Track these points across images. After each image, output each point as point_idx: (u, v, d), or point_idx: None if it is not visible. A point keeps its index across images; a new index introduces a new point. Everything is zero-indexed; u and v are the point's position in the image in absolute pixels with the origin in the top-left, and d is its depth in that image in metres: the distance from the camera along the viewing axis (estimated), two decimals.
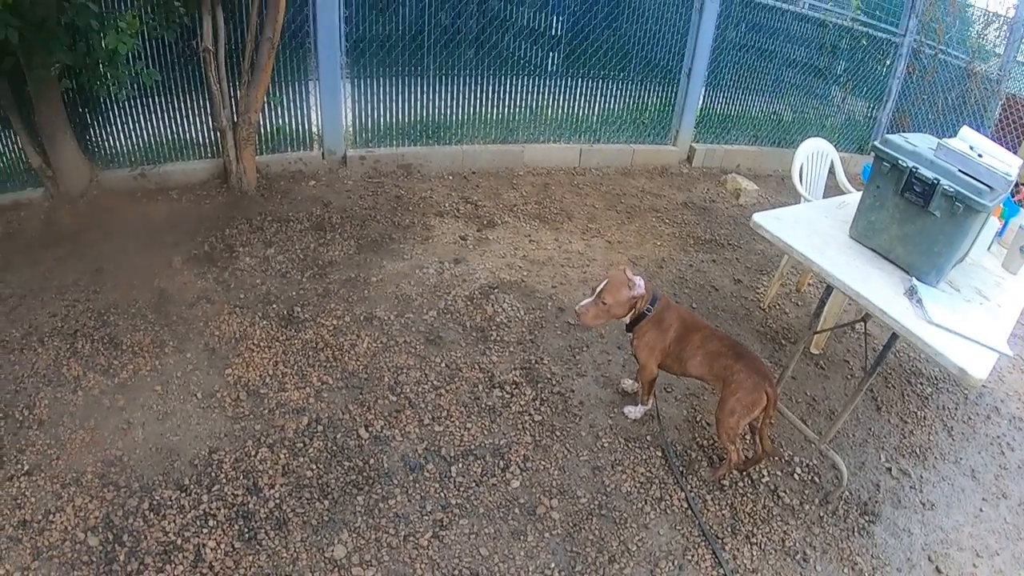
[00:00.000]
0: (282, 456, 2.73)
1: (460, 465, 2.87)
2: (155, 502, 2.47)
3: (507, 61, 5.29)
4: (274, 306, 3.51)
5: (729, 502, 3.06)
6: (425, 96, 5.04)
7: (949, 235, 2.80)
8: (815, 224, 3.16)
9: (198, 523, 2.44)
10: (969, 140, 3.05)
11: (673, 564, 2.72)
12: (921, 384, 4.28)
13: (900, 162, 2.84)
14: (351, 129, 4.88)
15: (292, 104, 4.61)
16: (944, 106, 7.56)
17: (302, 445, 2.80)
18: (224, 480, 2.60)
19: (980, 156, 2.85)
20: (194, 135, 4.40)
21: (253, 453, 2.73)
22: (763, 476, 3.24)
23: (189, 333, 3.25)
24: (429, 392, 3.20)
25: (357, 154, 4.84)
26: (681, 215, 5.60)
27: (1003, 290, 3.14)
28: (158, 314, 3.32)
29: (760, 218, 3.00)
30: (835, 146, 4.53)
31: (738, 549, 2.86)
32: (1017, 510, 3.57)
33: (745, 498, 3.10)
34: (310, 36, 4.45)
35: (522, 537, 2.66)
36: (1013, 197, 3.70)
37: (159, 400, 2.88)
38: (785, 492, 3.19)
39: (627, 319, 3.04)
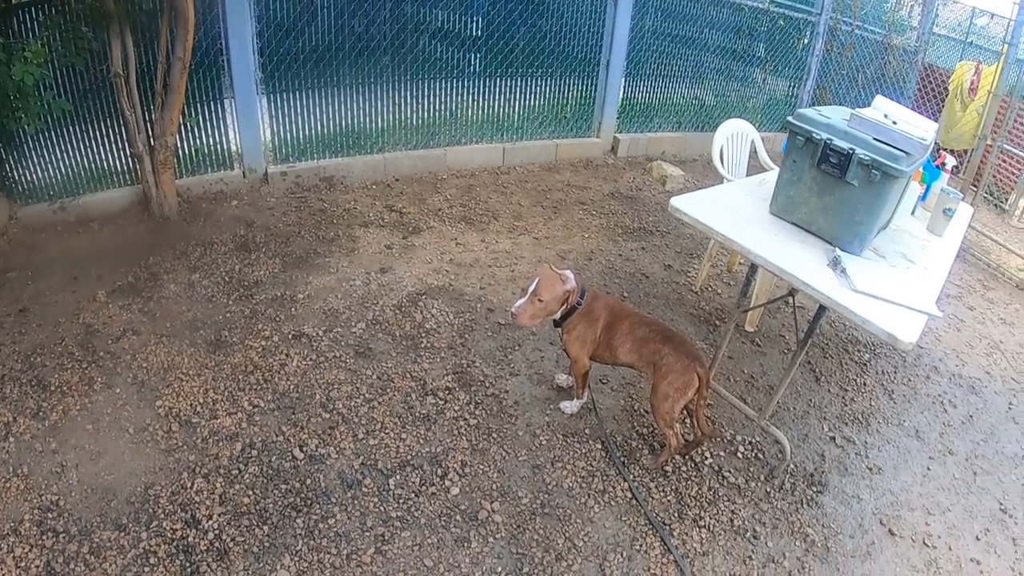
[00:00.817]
0: (218, 485, 2.68)
1: (398, 477, 2.85)
2: (95, 544, 2.40)
3: (424, 65, 5.26)
4: (201, 332, 3.43)
5: (673, 487, 3.08)
6: (344, 106, 4.98)
7: (868, 203, 2.83)
8: (735, 203, 3.19)
9: (139, 562, 2.37)
10: (883, 109, 3.11)
11: (622, 556, 2.74)
12: (859, 351, 4.40)
13: (814, 135, 2.87)
14: (271, 145, 4.80)
15: (209, 124, 4.51)
16: (864, 80, 7.81)
17: (237, 472, 2.74)
18: (162, 515, 2.54)
19: (895, 123, 2.89)
20: (111, 163, 4.27)
21: (189, 484, 2.67)
22: (706, 458, 3.27)
23: (117, 367, 3.16)
24: (362, 406, 3.17)
25: (278, 170, 4.77)
26: (608, 205, 5.65)
27: (929, 253, 3.20)
28: (85, 351, 3.22)
29: (678, 202, 3.00)
30: (758, 126, 4.62)
31: (687, 533, 2.89)
32: (964, 465, 3.67)
33: (690, 482, 3.13)
34: (223, 54, 4.37)
35: (466, 544, 2.65)
36: (933, 161, 3.80)
37: (91, 439, 2.80)
38: (730, 472, 3.23)
39: (557, 315, 3.04)
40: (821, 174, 2.90)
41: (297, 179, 4.84)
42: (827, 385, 4.00)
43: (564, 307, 3.02)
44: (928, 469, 3.57)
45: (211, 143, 4.57)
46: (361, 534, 2.61)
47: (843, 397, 3.95)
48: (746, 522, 3.00)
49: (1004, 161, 7.63)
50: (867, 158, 2.75)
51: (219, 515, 2.57)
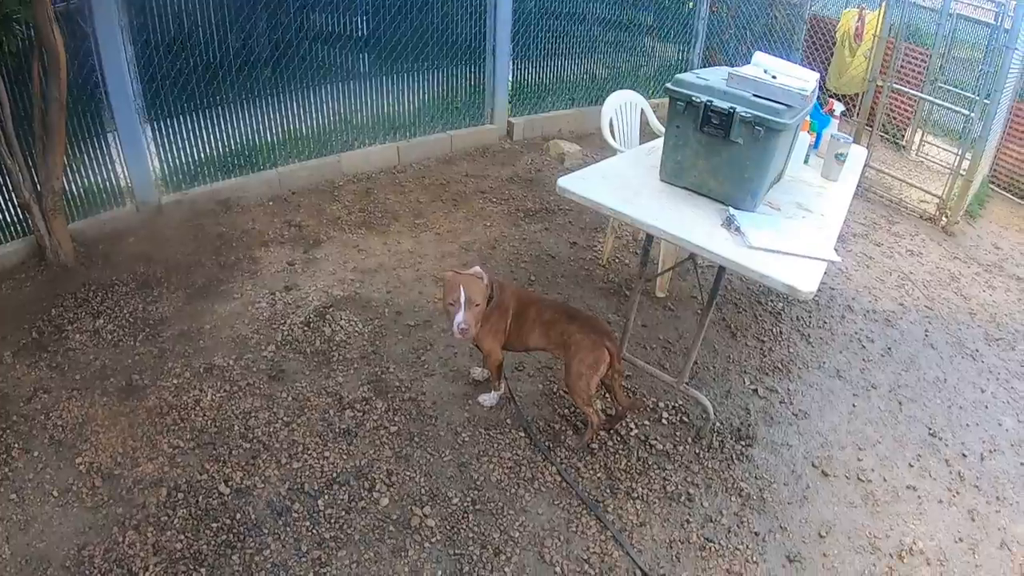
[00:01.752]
0: (149, 534, 2.65)
1: (326, 497, 2.87)
2: None
3: (309, 71, 5.16)
4: (111, 380, 3.35)
5: (602, 464, 3.16)
6: (231, 125, 4.86)
7: (756, 159, 2.87)
8: (624, 176, 3.20)
9: None
10: (763, 64, 3.15)
11: (560, 539, 2.81)
12: (772, 301, 4.53)
13: (694, 99, 2.90)
14: (161, 174, 4.66)
15: (95, 162, 4.34)
16: (752, 37, 7.96)
17: (166, 517, 2.72)
18: (98, 575, 2.51)
19: (774, 78, 2.94)
20: (0, 217, 4.10)
21: (120, 539, 2.63)
22: (631, 429, 3.35)
23: (32, 430, 3.06)
24: (281, 430, 3.16)
25: (172, 199, 4.64)
26: (508, 191, 5.70)
27: (825, 199, 3.31)
28: None
29: (565, 182, 3.01)
30: (651, 94, 4.74)
31: (621, 508, 2.97)
32: (888, 397, 3.83)
33: (617, 456, 3.21)
34: (100, 86, 4.19)
35: (403, 553, 2.69)
36: (822, 109, 3.90)
37: (18, 509, 2.72)
38: (656, 439, 3.31)
39: None
40: (706, 136, 2.93)
41: (192, 205, 4.72)
42: (744, 339, 4.12)
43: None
44: (853, 406, 3.72)
45: (100, 181, 4.40)
46: (298, 561, 2.63)
47: (761, 348, 4.07)
48: (679, 487, 3.10)
49: (896, 100, 7.95)
50: (748, 115, 2.79)
51: (155, 565, 2.55)
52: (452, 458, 3.14)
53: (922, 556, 2.94)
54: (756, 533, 2.94)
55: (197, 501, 2.81)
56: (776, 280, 2.47)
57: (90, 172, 4.34)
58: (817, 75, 3.21)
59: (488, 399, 3.41)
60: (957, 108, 6.93)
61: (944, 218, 6.38)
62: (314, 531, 2.75)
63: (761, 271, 2.51)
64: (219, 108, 4.78)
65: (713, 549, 2.85)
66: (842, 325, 4.42)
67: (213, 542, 2.67)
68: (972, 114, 6.31)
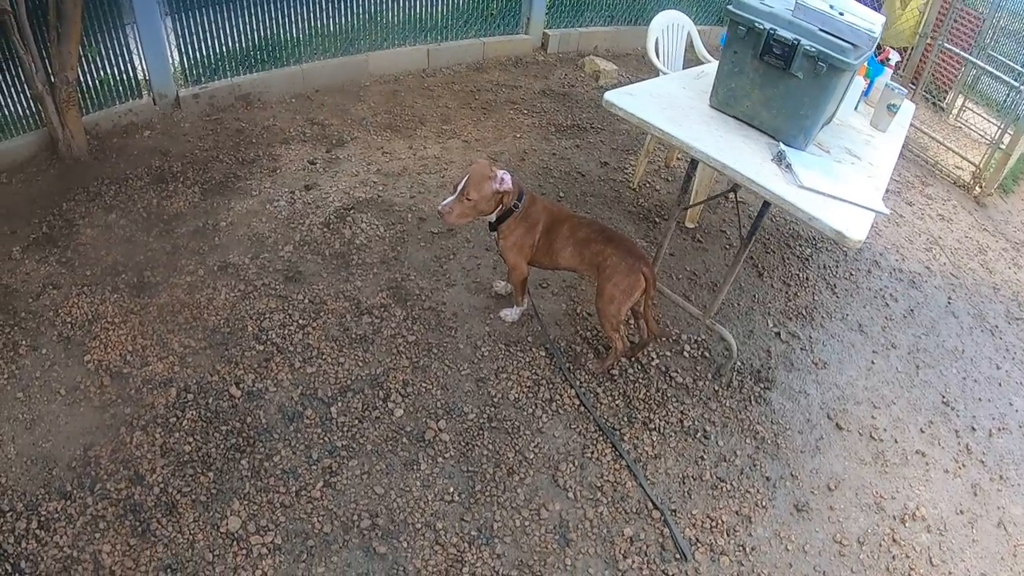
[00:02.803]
0: (157, 436, 2.53)
1: (339, 404, 2.75)
2: (43, 518, 2.25)
3: None
4: (123, 276, 3.17)
5: (621, 391, 3.03)
6: (256, 17, 4.48)
7: (814, 96, 2.68)
8: (673, 97, 2.99)
9: (89, 529, 2.24)
10: None
11: (574, 464, 2.70)
12: (800, 246, 4.35)
13: (756, 24, 2.68)
14: (180, 66, 4.35)
15: (112, 52, 4.02)
16: None
17: (175, 419, 2.59)
18: (105, 476, 2.39)
19: (841, 14, 2.71)
20: (12, 109, 3.79)
21: (128, 440, 2.51)
22: (652, 359, 3.22)
23: (40, 326, 2.90)
24: (296, 333, 3.00)
25: (190, 93, 4.34)
26: (540, 104, 5.36)
27: (874, 148, 3.11)
28: (5, 314, 2.93)
29: (613, 96, 2.79)
30: (693, 19, 4.37)
31: (637, 437, 2.86)
32: (907, 358, 3.72)
33: (637, 384, 3.08)
34: None
35: (415, 467, 2.59)
36: (876, 56, 3.67)
37: (24, 407, 2.59)
38: (677, 372, 3.19)
39: (492, 217, 2.85)
40: (764, 65, 2.73)
41: (211, 100, 4.43)
42: (770, 280, 3.95)
43: (500, 209, 2.82)
44: (872, 363, 3.61)
45: (116, 72, 4.09)
46: (308, 468, 2.52)
47: (786, 292, 3.91)
48: (696, 422, 2.99)
49: (943, 60, 7.56)
50: (813, 49, 2.59)
51: (162, 467, 2.44)
52: (470, 372, 2.99)
53: (923, 523, 2.89)
54: (767, 478, 2.87)
55: (207, 403, 2.68)
56: (825, 224, 2.33)
57: (106, 63, 4.03)
58: (883, 18, 2.94)
59: (510, 314, 3.23)
60: (1007, 78, 6.53)
61: (978, 188, 6.14)
62: (325, 439, 2.63)
63: (811, 212, 2.36)
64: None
65: (724, 489, 2.77)
66: (868, 280, 4.26)
67: (222, 446, 2.55)
68: (1019, 84, 5.96)
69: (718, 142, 2.68)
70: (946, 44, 6.66)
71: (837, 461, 2.99)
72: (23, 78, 3.67)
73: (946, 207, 5.68)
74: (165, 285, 3.16)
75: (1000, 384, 3.77)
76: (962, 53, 6.84)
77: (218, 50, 4.45)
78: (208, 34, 4.36)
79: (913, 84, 6.64)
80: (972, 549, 2.87)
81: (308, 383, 2.81)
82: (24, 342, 2.83)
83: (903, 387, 3.49)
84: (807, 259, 4.26)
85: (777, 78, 2.72)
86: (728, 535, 2.63)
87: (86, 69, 3.93)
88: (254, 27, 4.52)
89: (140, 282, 3.16)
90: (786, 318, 3.72)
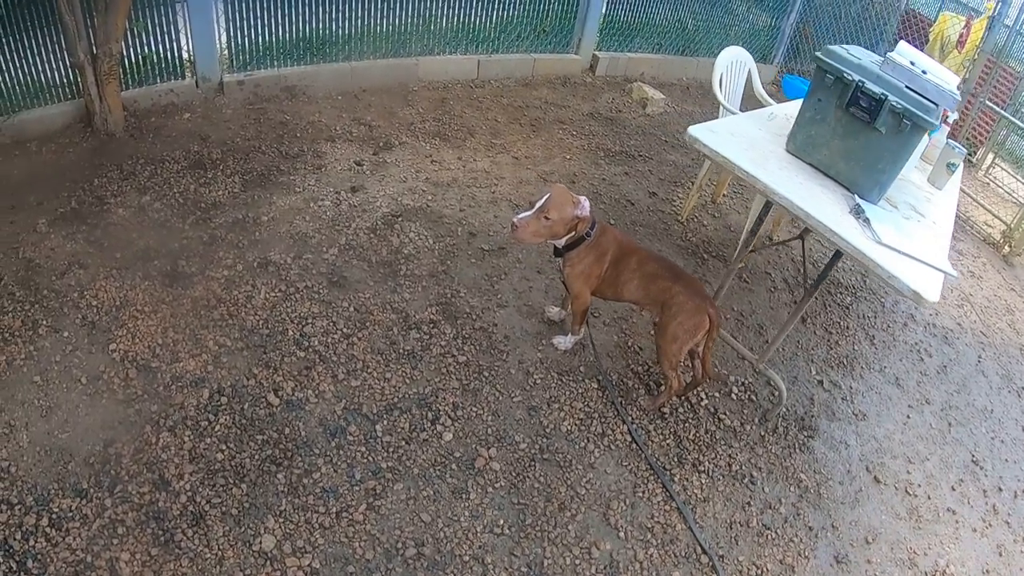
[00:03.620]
0: (186, 439, 2.30)
1: (385, 422, 2.53)
2: (55, 516, 2.01)
3: None
4: (155, 263, 2.94)
5: (672, 430, 2.87)
6: (308, 8, 4.30)
7: (894, 152, 2.64)
8: (751, 137, 2.90)
9: (106, 533, 2.01)
10: (908, 55, 2.84)
11: (625, 503, 2.53)
12: (841, 294, 4.23)
13: (846, 75, 2.63)
14: (227, 51, 4.15)
15: (158, 28, 3.82)
16: (846, 18, 7.39)
17: (207, 423, 2.36)
18: (126, 477, 2.15)
19: (924, 72, 2.66)
20: (49, 76, 3.58)
21: (153, 440, 2.27)
22: (702, 399, 3.07)
23: (64, 307, 2.66)
24: (340, 342, 2.78)
25: (235, 79, 4.14)
26: (588, 126, 5.19)
27: (934, 205, 3.04)
28: (27, 290, 2.69)
29: (697, 132, 2.70)
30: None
31: (687, 479, 2.70)
32: (939, 415, 3.61)
33: (687, 424, 2.93)
34: None
35: (464, 495, 2.38)
36: None
37: (40, 393, 2.34)
38: (725, 414, 3.04)
39: (561, 242, 2.68)
40: (847, 116, 2.68)
41: (256, 89, 4.23)
42: (813, 327, 3.82)
43: (571, 235, 2.66)
44: (908, 417, 3.52)
45: (160, 50, 3.89)
46: (350, 488, 2.29)
47: (828, 340, 3.79)
48: (743, 467, 2.86)
49: (981, 117, 7.49)
50: (899, 106, 2.54)
51: (191, 474, 2.20)
52: (522, 400, 2.79)
53: None
54: (810, 528, 2.76)
55: (243, 408, 2.45)
56: (904, 283, 2.26)
57: (151, 39, 3.82)
58: (958, 78, 2.93)
59: (563, 342, 3.04)
60: None
61: (1008, 247, 6.00)
62: (370, 458, 2.41)
63: (890, 271, 2.30)
64: None
65: (769, 537, 2.65)
66: (904, 333, 4.15)
67: (258, 456, 2.32)
68: None
69: (799, 189, 2.60)
70: (987, 101, 6.59)
71: (875, 514, 2.90)
72: (65, 44, 3.45)
73: (976, 263, 5.57)
74: (200, 277, 2.93)
75: None
76: (1000, 111, 6.77)
77: (267, 38, 4.26)
78: (259, 20, 4.17)
79: (951, 138, 6.61)
80: None
81: (352, 397, 2.59)
82: (45, 322, 2.59)
83: (936, 443, 3.41)
84: (847, 307, 4.12)
85: (859, 130, 2.67)
86: None
87: (130, 43, 3.73)
88: (306, 18, 4.34)
89: (173, 271, 2.93)
90: (828, 366, 3.60)
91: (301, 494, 2.23)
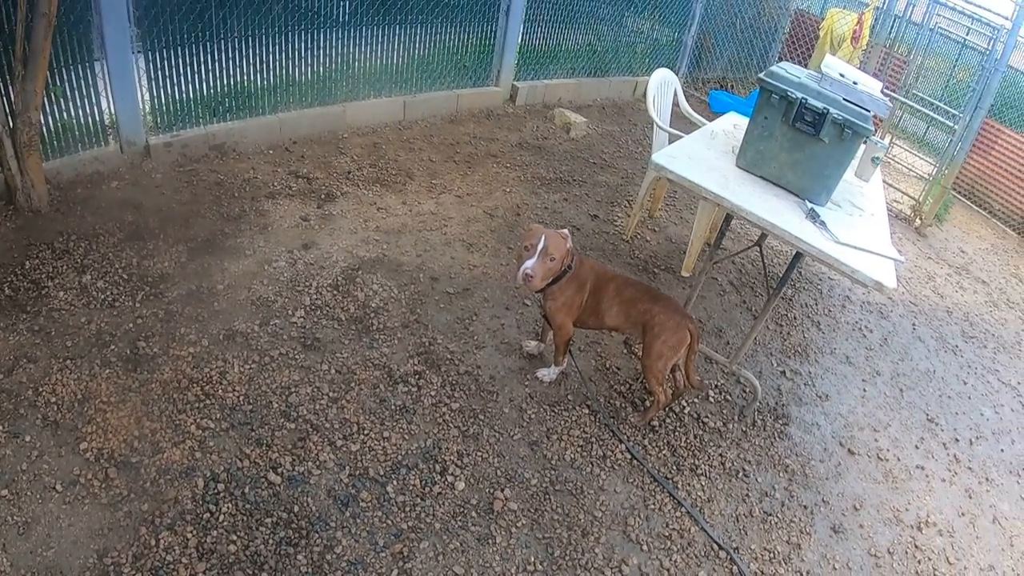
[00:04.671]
0: (190, 535, 2.10)
1: (395, 482, 2.42)
2: None
3: (316, 14, 4.41)
4: (112, 347, 2.69)
5: (665, 441, 2.95)
6: (231, 62, 4.09)
7: (837, 159, 2.83)
8: (704, 159, 3.05)
9: None
10: (836, 68, 3.12)
11: (641, 518, 2.58)
12: (784, 287, 4.40)
13: (790, 94, 2.81)
14: (151, 111, 3.88)
15: (77, 93, 3.51)
16: (741, 24, 7.80)
17: (209, 514, 2.17)
18: None
19: (855, 84, 2.92)
20: None
21: (152, 542, 2.06)
22: (684, 407, 3.16)
23: (19, 408, 2.38)
24: (329, 407, 2.65)
25: (161, 141, 3.86)
26: (520, 157, 5.21)
27: (866, 198, 3.29)
28: None
29: (660, 159, 2.85)
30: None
31: (689, 484, 2.78)
32: (891, 383, 3.88)
33: (677, 433, 3.01)
34: (91, 7, 3.35)
35: (490, 541, 2.32)
36: None
37: (12, 508, 2.08)
38: (708, 417, 3.14)
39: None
40: (793, 131, 2.86)
41: (184, 149, 3.96)
42: (765, 323, 3.96)
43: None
44: (864, 391, 3.75)
45: (81, 115, 3.58)
46: (376, 557, 2.18)
47: (780, 332, 3.98)
48: (735, 463, 2.97)
49: None
50: (840, 117, 2.74)
51: (204, 572, 2.02)
52: (521, 437, 2.76)
53: (935, 528, 3.03)
54: (805, 506, 2.90)
55: (243, 493, 2.27)
56: (866, 275, 2.45)
57: (70, 104, 3.51)
58: (881, 84, 3.24)
59: (548, 374, 3.03)
60: (943, 120, 6.94)
61: (919, 220, 6.45)
62: (388, 521, 2.30)
63: (852, 267, 2.48)
64: (220, 42, 3.99)
65: (773, 522, 2.78)
66: (844, 314, 4.42)
67: (271, 540, 2.16)
68: (956, 127, 6.33)
69: (761, 203, 2.74)
70: (884, 88, 6.96)
71: (856, 483, 3.09)
72: None
73: (893, 239, 5.89)
74: (165, 357, 2.71)
75: (969, 397, 4.00)
76: (895, 95, 7.13)
77: (192, 94, 4.02)
78: (182, 76, 3.93)
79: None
80: (977, 545, 3.04)
81: (355, 462, 2.46)
82: (0, 427, 2.31)
83: (893, 410, 3.63)
84: (791, 300, 4.33)
85: (804, 142, 2.84)
86: (785, 563, 2.64)
87: (48, 110, 3.41)
88: (231, 71, 4.13)
89: (134, 354, 2.69)
90: (786, 356, 3.77)
91: (327, 571, 2.10)
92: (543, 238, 2.54)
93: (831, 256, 2.49)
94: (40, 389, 2.46)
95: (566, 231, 2.63)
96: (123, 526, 2.10)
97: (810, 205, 2.82)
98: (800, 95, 2.78)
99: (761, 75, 2.88)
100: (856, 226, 2.81)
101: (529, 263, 2.53)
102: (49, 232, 3.22)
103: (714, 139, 3.32)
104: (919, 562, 2.83)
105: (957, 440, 3.56)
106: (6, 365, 2.53)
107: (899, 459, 3.29)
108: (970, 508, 3.17)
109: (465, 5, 5.35)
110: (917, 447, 3.41)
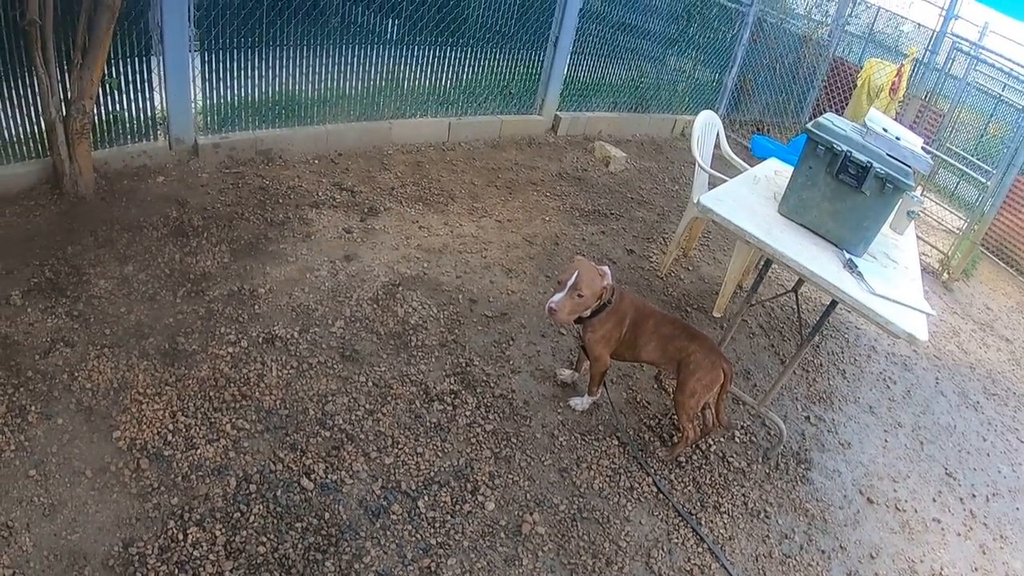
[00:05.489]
0: (218, 533, 2.08)
1: (426, 498, 2.40)
2: None
3: (371, 32, 4.47)
4: (151, 339, 2.69)
5: (691, 477, 2.93)
6: (285, 70, 4.15)
7: (877, 212, 2.85)
8: (749, 203, 3.07)
9: None
10: (880, 122, 3.13)
11: (664, 551, 2.55)
12: (816, 334, 4.40)
13: (835, 146, 2.85)
14: (201, 112, 3.92)
15: (132, 86, 3.55)
16: (781, 69, 7.88)
17: (239, 514, 2.15)
18: None
19: (898, 139, 2.94)
20: (16, 132, 3.25)
21: (180, 536, 2.04)
22: (711, 445, 3.13)
23: (53, 391, 2.37)
24: (364, 419, 2.63)
25: (210, 141, 3.90)
26: (559, 187, 5.22)
27: (901, 251, 3.30)
28: (7, 371, 2.39)
29: (707, 201, 2.86)
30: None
31: (712, 521, 2.76)
32: (911, 435, 3.84)
33: (703, 470, 2.98)
34: (153, 4, 3.41)
35: (516, 563, 2.30)
36: None
37: (39, 489, 2.06)
38: (733, 456, 3.12)
39: (588, 311, 2.70)
40: (835, 182, 2.88)
41: (232, 152, 4.00)
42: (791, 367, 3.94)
43: (596, 304, 2.69)
44: (886, 441, 3.71)
45: (133, 109, 3.62)
46: (404, 569, 2.15)
47: (806, 378, 3.96)
48: (757, 503, 2.95)
49: None
50: (883, 172, 2.77)
51: (231, 571, 1.99)
52: (552, 462, 2.73)
53: None
54: (823, 551, 2.87)
55: (275, 496, 2.25)
56: (899, 328, 2.45)
57: (124, 97, 3.56)
58: (922, 140, 3.27)
59: (580, 403, 3.02)
60: (975, 175, 6.90)
61: (946, 274, 6.39)
62: (417, 536, 2.27)
63: (887, 318, 2.48)
64: (275, 49, 4.04)
65: (791, 565, 2.75)
66: (869, 364, 4.39)
67: (301, 545, 2.13)
68: (988, 183, 6.30)
69: (802, 250, 2.76)
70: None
71: (874, 532, 3.07)
72: (36, 99, 3.18)
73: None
74: (204, 355, 2.70)
75: (988, 454, 3.95)
76: (931, 149, 7.10)
77: (244, 98, 4.07)
78: (236, 79, 3.98)
79: None
80: None
81: (388, 475, 2.44)
82: (34, 408, 2.30)
83: (913, 462, 3.61)
84: (818, 346, 4.31)
85: (846, 193, 2.87)
86: None
87: (101, 100, 3.45)
88: (284, 79, 4.19)
89: (173, 348, 2.69)
90: (811, 402, 3.75)
91: None
92: (575, 274, 2.55)
93: (867, 307, 2.50)
94: (76, 374, 2.47)
95: (606, 268, 2.65)
96: (151, 517, 2.08)
97: (848, 255, 2.83)
98: (845, 148, 2.81)
99: (808, 125, 2.92)
100: (890, 278, 2.82)
101: (556, 297, 2.56)
102: (93, 220, 3.24)
103: (756, 184, 3.34)
104: None
105: (974, 496, 3.53)
106: (43, 346, 2.54)
107: (916, 511, 3.26)
108: (983, 564, 3.14)
109: (516, 34, 5.42)
110: (935, 500, 3.38)
